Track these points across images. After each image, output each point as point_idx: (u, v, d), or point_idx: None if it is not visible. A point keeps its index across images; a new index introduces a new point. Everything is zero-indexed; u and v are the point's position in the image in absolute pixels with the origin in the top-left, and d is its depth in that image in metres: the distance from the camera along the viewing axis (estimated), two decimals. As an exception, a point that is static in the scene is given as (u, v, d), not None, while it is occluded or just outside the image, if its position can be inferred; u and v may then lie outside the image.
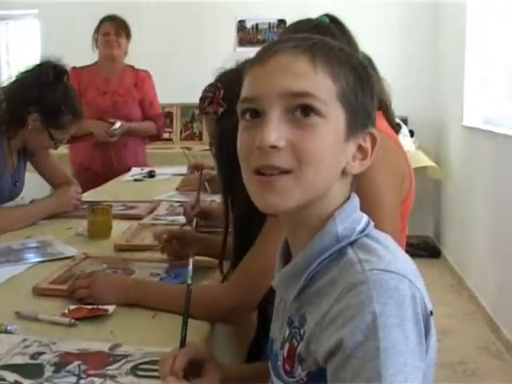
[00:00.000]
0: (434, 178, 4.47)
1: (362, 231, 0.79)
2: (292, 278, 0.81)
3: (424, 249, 4.56)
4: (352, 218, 0.80)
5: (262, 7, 4.89)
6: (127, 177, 3.16)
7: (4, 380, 1.00)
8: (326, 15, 1.42)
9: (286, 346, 0.82)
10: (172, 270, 1.56)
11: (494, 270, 3.37)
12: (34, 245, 1.80)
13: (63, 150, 3.05)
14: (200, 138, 4.87)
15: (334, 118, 0.76)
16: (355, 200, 0.83)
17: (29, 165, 2.32)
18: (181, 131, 4.99)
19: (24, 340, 1.13)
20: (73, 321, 1.21)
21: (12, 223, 2.00)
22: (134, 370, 1.03)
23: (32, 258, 1.68)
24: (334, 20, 1.42)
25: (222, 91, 1.26)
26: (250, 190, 0.79)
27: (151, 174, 3.14)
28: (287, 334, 0.83)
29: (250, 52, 0.84)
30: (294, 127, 0.75)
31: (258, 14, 4.97)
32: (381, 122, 1.35)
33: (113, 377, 1.01)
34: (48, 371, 1.03)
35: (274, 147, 0.74)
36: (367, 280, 0.70)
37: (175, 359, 0.90)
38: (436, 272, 4.18)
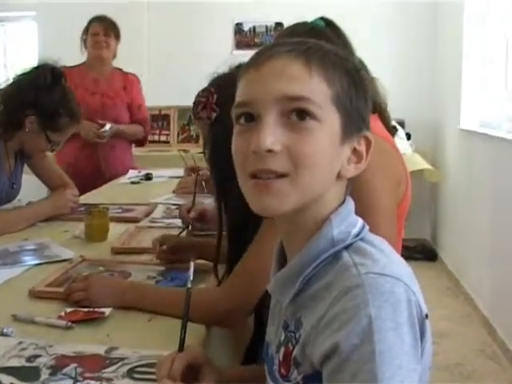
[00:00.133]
0: (430, 180, 4.47)
1: (357, 235, 0.79)
2: (287, 282, 0.81)
3: (421, 251, 4.57)
4: (347, 222, 0.80)
5: (259, 10, 4.90)
6: (124, 179, 3.15)
7: (0, 383, 0.99)
8: (322, 18, 1.42)
9: (282, 349, 0.82)
10: (168, 273, 1.56)
11: (491, 272, 3.37)
12: (31, 247, 1.80)
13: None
14: (197, 140, 4.86)
15: (329, 121, 0.77)
16: (350, 203, 0.83)
17: (26, 167, 2.32)
18: (178, 134, 5.00)
19: (20, 343, 1.13)
20: (69, 323, 1.21)
21: (9, 225, 2.00)
22: (130, 373, 1.03)
23: (29, 260, 1.68)
24: (329, 23, 1.42)
25: (215, 96, 1.25)
26: (246, 193, 0.79)
27: (148, 177, 3.14)
28: (283, 337, 0.83)
29: (247, 55, 0.84)
30: (289, 131, 0.75)
31: (256, 16, 4.98)
32: (376, 124, 1.35)
33: (109, 380, 1.01)
34: (44, 374, 1.03)
35: (270, 151, 0.74)
36: (363, 283, 0.71)
37: (173, 363, 0.90)
38: (433, 275, 4.19)
